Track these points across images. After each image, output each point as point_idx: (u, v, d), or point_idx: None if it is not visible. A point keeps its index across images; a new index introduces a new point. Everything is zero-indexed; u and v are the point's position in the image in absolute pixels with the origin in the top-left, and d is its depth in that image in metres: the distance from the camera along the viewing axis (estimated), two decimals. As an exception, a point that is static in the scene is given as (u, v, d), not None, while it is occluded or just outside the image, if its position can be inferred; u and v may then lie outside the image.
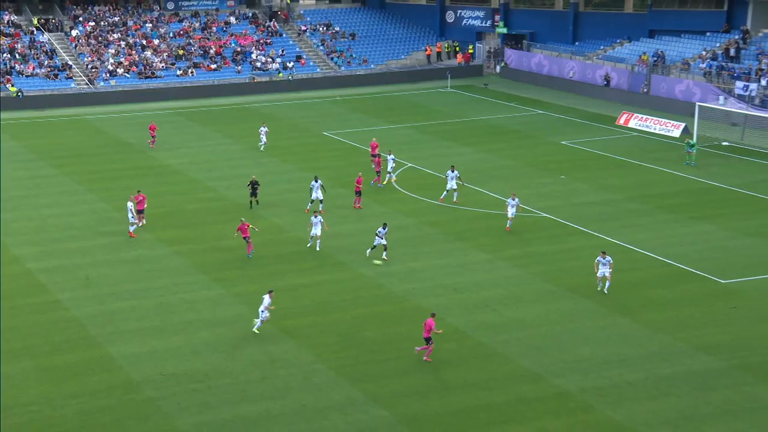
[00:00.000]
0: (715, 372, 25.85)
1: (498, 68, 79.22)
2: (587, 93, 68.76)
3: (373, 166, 46.92)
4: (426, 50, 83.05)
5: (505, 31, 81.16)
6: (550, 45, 77.21)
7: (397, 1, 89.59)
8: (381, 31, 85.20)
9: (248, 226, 36.00)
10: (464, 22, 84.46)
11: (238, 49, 77.74)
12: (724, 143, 51.71)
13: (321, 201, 40.74)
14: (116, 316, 30.45)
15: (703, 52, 65.01)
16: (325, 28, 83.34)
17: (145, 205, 39.25)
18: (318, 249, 36.29)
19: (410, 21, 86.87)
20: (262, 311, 29.12)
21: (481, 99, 69.24)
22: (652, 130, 56.09)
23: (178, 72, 73.80)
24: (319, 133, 58.91)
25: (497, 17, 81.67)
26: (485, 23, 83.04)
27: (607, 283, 31.48)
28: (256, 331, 29.06)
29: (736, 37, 64.69)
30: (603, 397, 24.74)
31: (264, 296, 29.28)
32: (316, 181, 41.05)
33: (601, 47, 74.25)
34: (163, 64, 74.35)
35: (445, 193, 42.31)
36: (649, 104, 62.94)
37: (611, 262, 31.40)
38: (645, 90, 64.95)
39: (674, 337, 28.11)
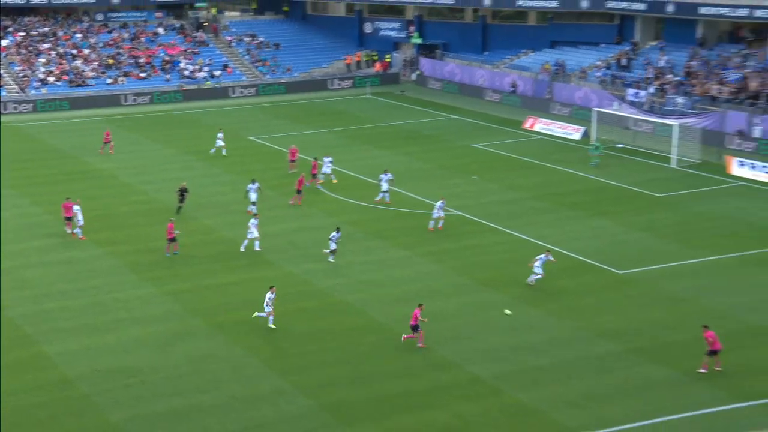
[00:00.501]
0: (612, 355, 26.61)
1: (413, 76, 79.73)
2: (496, 99, 69.81)
3: (290, 171, 46.80)
4: (346, 59, 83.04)
5: (419, 41, 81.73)
6: (462, 54, 78.08)
7: (318, 13, 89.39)
8: (303, 41, 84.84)
9: (172, 227, 35.52)
10: (381, 32, 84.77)
11: (167, 59, 76.45)
12: (618, 145, 53.10)
13: (254, 203, 40.34)
14: (50, 316, 29.72)
15: (599, 62, 66.68)
16: (250, 39, 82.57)
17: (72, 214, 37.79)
18: (257, 249, 35.70)
19: (331, 32, 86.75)
20: (266, 305, 28.71)
21: (398, 105, 69.61)
22: (555, 134, 57.26)
23: (109, 80, 72.20)
24: (245, 137, 58.39)
25: (412, 28, 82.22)
26: (401, 34, 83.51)
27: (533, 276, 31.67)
28: (272, 326, 28.64)
29: (627, 48, 66.55)
30: (513, 382, 25.22)
31: (267, 293, 28.77)
32: (254, 184, 40.63)
33: (508, 57, 75.44)
34: (94, 73, 72.64)
35: (380, 195, 42.20)
36: (552, 109, 64.24)
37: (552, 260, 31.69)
38: (548, 96, 66.25)
39: (576, 324, 28.82)
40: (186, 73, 75.38)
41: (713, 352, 25.32)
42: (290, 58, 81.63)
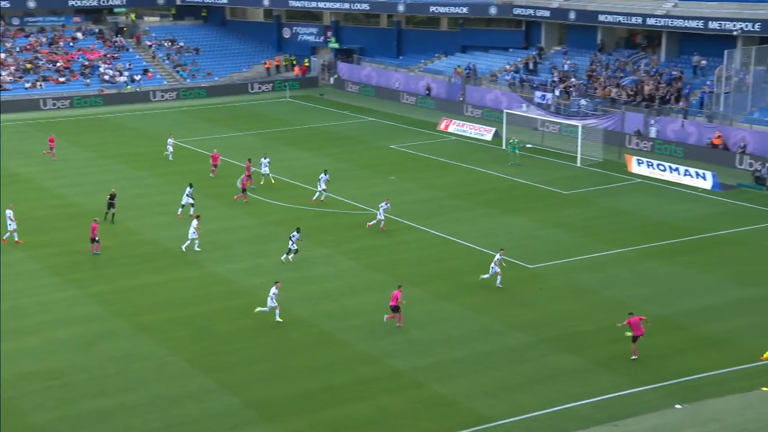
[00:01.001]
0: (525, 346, 26.99)
1: (332, 80, 79.48)
2: (412, 102, 70.16)
3: (211, 175, 46.15)
4: (265, 63, 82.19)
5: (336, 46, 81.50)
6: (378, 59, 78.22)
7: (237, 18, 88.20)
8: (223, 46, 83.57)
9: (96, 227, 34.66)
10: (300, 37, 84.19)
11: (86, 63, 74.16)
12: (528, 145, 53.98)
13: (192, 206, 39.66)
14: (-30, 322, 28.43)
15: (508, 66, 67.71)
16: (170, 44, 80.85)
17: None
18: (197, 249, 35.17)
19: (250, 37, 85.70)
20: (271, 299, 28.51)
21: (317, 108, 69.26)
22: (468, 134, 57.86)
23: (27, 85, 69.61)
24: (165, 139, 57.13)
25: (329, 33, 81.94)
26: (319, 39, 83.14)
27: (498, 278, 31.26)
28: (279, 320, 28.23)
29: (534, 53, 67.82)
30: (432, 374, 25.31)
31: (271, 288, 28.70)
32: (190, 188, 40.07)
33: (422, 61, 75.92)
34: (11, 78, 69.90)
35: (317, 194, 42.10)
36: (465, 111, 64.92)
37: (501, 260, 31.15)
38: (461, 99, 66.92)
39: (492, 317, 29.14)
40: (106, 77, 73.34)
41: (636, 337, 26.09)
42: (210, 63, 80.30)
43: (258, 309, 28.96)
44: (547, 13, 66.02)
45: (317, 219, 39.80)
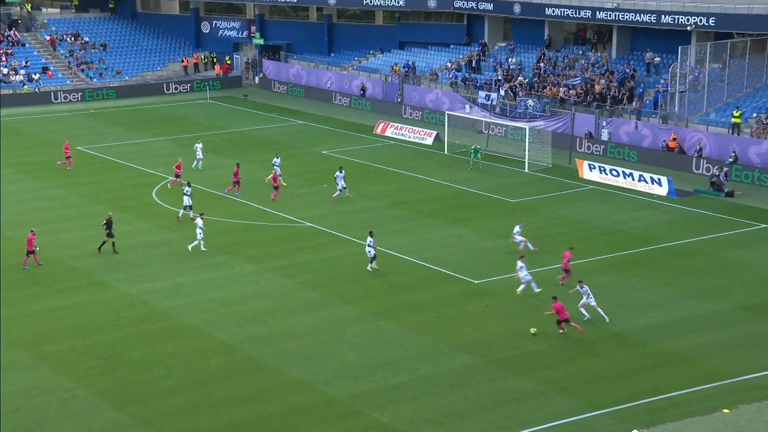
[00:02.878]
0: (471, 368, 27.22)
1: (257, 79, 79.18)
2: (345, 103, 70.34)
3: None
4: (183, 61, 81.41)
5: (261, 42, 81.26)
6: (307, 56, 78.24)
7: (150, 11, 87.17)
8: (134, 42, 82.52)
9: (33, 238, 34.46)
10: (220, 32, 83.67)
11: (-24, 60, 72.38)
12: (472, 148, 54.51)
13: (191, 207, 40.39)
14: None
15: (449, 64, 68.43)
16: (72, 38, 79.45)
17: None
18: (203, 249, 36.45)
19: (165, 31, 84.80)
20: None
21: (241, 110, 68.87)
22: (407, 138, 58.27)
23: None
24: (72, 147, 56.08)
25: (253, 28, 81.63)
26: (241, 34, 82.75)
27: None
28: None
29: (476, 49, 68.72)
30: (370, 401, 25.34)
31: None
32: (189, 186, 40.92)
33: (356, 58, 76.21)
34: None
35: (337, 192, 43.23)
36: (403, 113, 65.34)
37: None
38: (399, 99, 67.37)
39: (435, 337, 29.32)
40: None
41: (563, 321, 28.68)
42: (120, 61, 79.21)
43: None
44: (490, 6, 67.03)
45: (242, 233, 39.52)
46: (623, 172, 47.82)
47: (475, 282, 34.15)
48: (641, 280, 34.17)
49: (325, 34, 79.02)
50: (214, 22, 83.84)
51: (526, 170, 50.62)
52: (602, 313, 30.53)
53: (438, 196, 45.75)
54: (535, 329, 29.47)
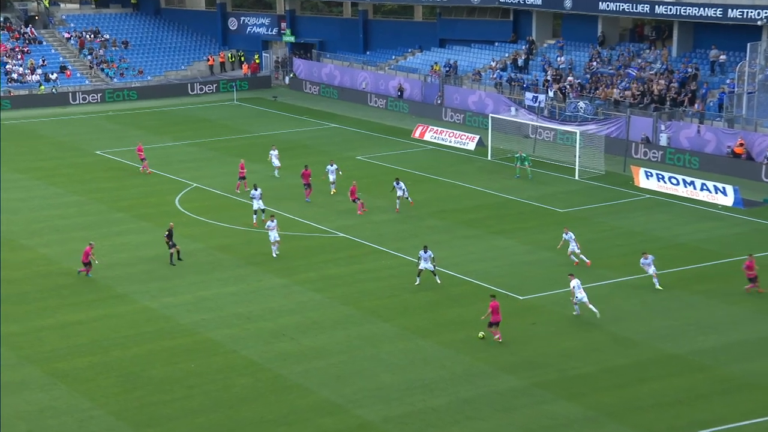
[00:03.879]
0: (515, 391, 27.11)
1: (287, 79, 79.75)
2: (381, 105, 70.55)
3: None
4: (208, 60, 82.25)
5: (292, 39, 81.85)
6: (341, 54, 78.64)
7: (174, 6, 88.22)
8: (157, 40, 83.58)
9: (90, 250, 35.19)
10: (249, 29, 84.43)
11: (-9, 59, 73.74)
12: (517, 155, 54.37)
13: (263, 210, 41.48)
14: None
15: (493, 63, 68.38)
16: (92, 36, 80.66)
17: None
18: (275, 255, 37.20)
19: (190, 28, 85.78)
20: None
21: (269, 112, 69.35)
22: (447, 143, 58.29)
23: None
24: (91, 152, 56.89)
25: (283, 25, 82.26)
26: (271, 31, 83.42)
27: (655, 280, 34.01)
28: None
29: (523, 47, 68.58)
30: (406, 425, 25.32)
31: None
32: (256, 190, 41.92)
33: (393, 57, 76.44)
34: None
35: (398, 202, 43.68)
36: (443, 116, 65.38)
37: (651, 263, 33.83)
38: (439, 101, 67.45)
39: (476, 357, 29.24)
40: (14, 76, 72.85)
41: (493, 323, 29.76)
42: (142, 59, 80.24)
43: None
44: (538, 1, 66.92)
45: (269, 243, 39.71)
46: (684, 180, 47.42)
47: (521, 298, 34.02)
48: (704, 298, 33.82)
49: (361, 31, 79.38)
50: (242, 18, 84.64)
51: (577, 178, 50.37)
52: (593, 308, 31.45)
53: (480, 205, 45.66)
54: (483, 333, 30.14)
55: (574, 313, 32.17)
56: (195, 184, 49.19)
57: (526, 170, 50.01)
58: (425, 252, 34.73)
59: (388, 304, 33.47)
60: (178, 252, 37.32)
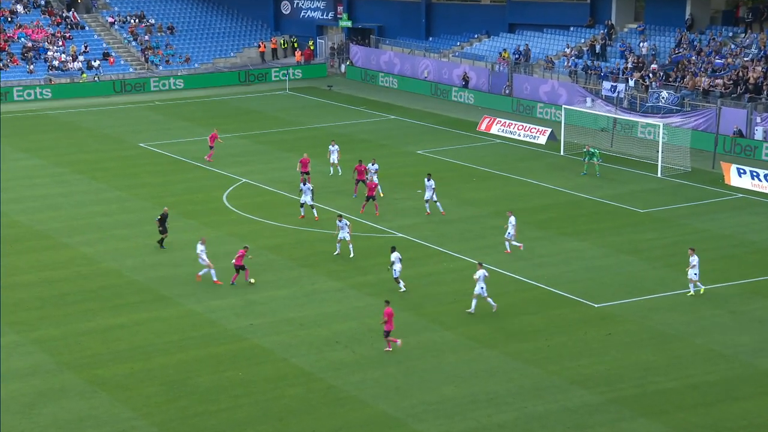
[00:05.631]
0: (590, 407, 26.93)
1: (343, 67, 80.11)
2: (445, 95, 70.52)
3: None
4: (259, 46, 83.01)
5: (349, 24, 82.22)
6: (401, 41, 78.79)
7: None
8: (205, 25, 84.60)
9: (244, 253, 35.62)
10: (302, 14, 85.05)
11: (29, 45, 75.24)
12: (585, 150, 53.95)
13: (312, 207, 42.26)
14: None
15: (567, 49, 67.93)
16: (137, 20, 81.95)
17: None
18: (351, 255, 37.81)
19: (240, 12, 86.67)
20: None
21: (324, 103, 69.71)
22: (516, 137, 58.08)
23: (-45, 71, 70.85)
24: (135, 144, 57.77)
25: (340, 8, 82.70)
26: (327, 15, 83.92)
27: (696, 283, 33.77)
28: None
29: (602, 32, 67.99)
30: (471, 442, 25.33)
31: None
32: (305, 184, 42.45)
33: (458, 43, 76.38)
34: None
35: (426, 204, 43.52)
36: (512, 107, 65.11)
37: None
38: (507, 92, 67.21)
39: (546, 369, 29.11)
40: (55, 63, 74.33)
41: (388, 333, 29.80)
42: (189, 46, 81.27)
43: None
44: (619, -18, 66.33)
45: (324, 243, 39.99)
46: (779, 178, 46.69)
47: (595, 306, 33.77)
48: (800, 309, 33.22)
49: (423, 15, 79.45)
50: (296, 1, 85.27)
51: (659, 175, 49.82)
52: (491, 302, 32.69)
53: (552, 204, 45.41)
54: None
55: (469, 310, 32.77)
56: (244, 180, 49.66)
57: (595, 167, 49.55)
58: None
59: (450, 310, 33.47)
60: (162, 240, 38.90)
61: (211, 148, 52.99)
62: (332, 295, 34.93)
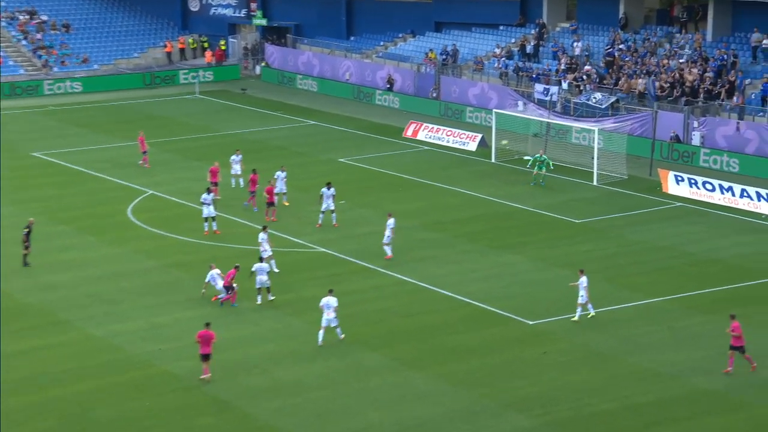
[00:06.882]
0: (524, 431, 27.20)
1: (258, 69, 79.88)
2: (368, 99, 70.69)
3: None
4: (166, 46, 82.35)
5: (264, 22, 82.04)
6: (321, 40, 78.84)
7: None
8: (105, 22, 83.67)
9: (234, 273, 35.32)
10: (213, 11, 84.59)
11: None
12: (526, 158, 54.67)
13: (214, 218, 42.55)
14: None
15: (497, 50, 68.66)
16: (27, 17, 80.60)
17: None
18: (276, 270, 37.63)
19: (144, 10, 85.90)
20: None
21: (237, 107, 69.40)
22: (444, 143, 58.46)
23: None
24: (27, 154, 56.83)
25: (254, 5, 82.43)
26: (239, 13, 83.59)
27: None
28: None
29: (533, 31, 68.87)
30: (398, 472, 25.41)
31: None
32: (208, 194, 42.88)
33: (381, 43, 76.70)
34: None
35: (321, 215, 43.24)
36: (440, 111, 65.51)
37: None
38: (434, 95, 67.66)
39: (478, 392, 29.31)
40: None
41: (203, 356, 29.65)
42: (87, 45, 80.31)
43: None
44: (550, -22, 67.31)
45: (238, 260, 39.72)
46: (720, 185, 47.68)
47: (530, 323, 34.13)
48: (744, 325, 33.70)
49: (343, 12, 79.64)
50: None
51: (595, 183, 50.59)
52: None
53: (483, 215, 45.81)
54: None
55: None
56: (150, 191, 49.18)
57: (540, 175, 50.07)
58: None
59: (375, 331, 33.54)
60: (26, 256, 38.44)
61: (144, 153, 52.58)
62: (248, 315, 34.76)
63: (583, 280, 33.65)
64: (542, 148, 52.20)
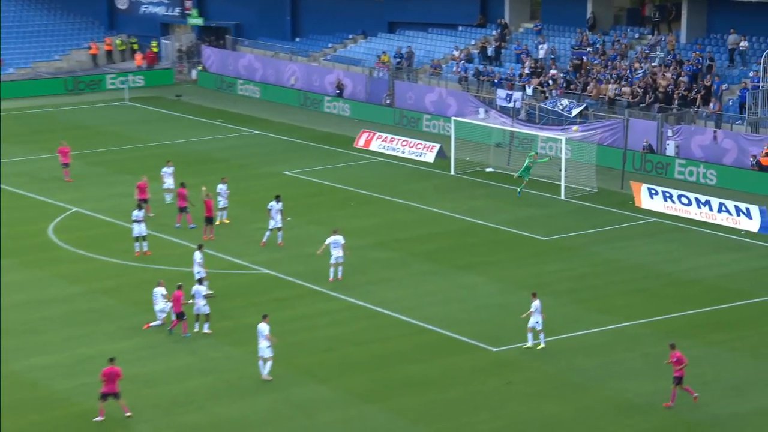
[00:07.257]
0: (491, 469, 27.27)
1: (194, 73, 79.60)
2: (316, 106, 70.64)
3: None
4: (90, 48, 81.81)
5: (200, 22, 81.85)
6: (263, 42, 78.76)
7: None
8: (21, 22, 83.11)
9: (182, 295, 34.81)
10: (143, 9, 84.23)
11: None
12: (488, 169, 54.83)
13: (144, 238, 42.40)
14: None
15: (456, 52, 68.92)
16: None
17: None
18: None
19: (65, 8, 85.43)
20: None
21: (171, 116, 69.11)
22: (399, 154, 58.54)
23: None
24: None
25: (188, 3, 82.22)
26: (172, 11, 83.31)
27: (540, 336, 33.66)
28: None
29: (494, 32, 69.22)
30: None
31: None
32: (140, 210, 42.76)
33: (330, 45, 76.75)
34: None
35: (267, 233, 43.16)
36: (394, 119, 65.59)
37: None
38: (388, 101, 67.78)
39: (437, 427, 29.27)
40: None
41: (107, 395, 29.25)
42: (2, 47, 79.52)
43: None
44: (512, -26, 67.79)
45: (172, 283, 39.44)
46: (697, 199, 48.10)
47: (494, 350, 34.20)
48: (724, 350, 34.24)
49: (288, 12, 79.68)
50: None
51: (563, 197, 50.88)
52: None
53: (442, 233, 45.90)
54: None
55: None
56: (74, 209, 48.75)
57: (522, 182, 50.11)
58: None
59: (324, 360, 33.42)
60: None
61: (65, 165, 52.21)
62: (183, 345, 34.51)
63: (536, 304, 33.61)
64: (534, 152, 52.20)
